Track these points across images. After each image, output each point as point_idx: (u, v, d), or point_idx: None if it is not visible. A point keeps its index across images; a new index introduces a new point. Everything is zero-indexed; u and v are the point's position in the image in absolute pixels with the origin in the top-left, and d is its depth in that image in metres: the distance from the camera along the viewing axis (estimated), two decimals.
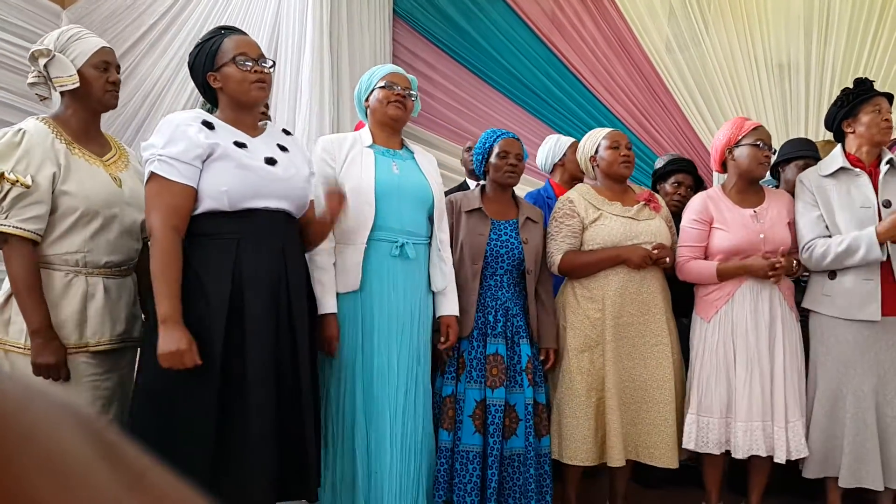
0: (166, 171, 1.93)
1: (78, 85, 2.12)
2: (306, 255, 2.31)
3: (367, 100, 2.57)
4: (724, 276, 2.75)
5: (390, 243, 2.42)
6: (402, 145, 2.62)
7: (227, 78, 2.07)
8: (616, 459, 2.74)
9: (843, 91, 2.84)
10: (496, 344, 2.75)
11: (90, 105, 2.19)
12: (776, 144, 4.78)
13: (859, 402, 2.65)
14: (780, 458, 2.65)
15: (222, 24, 2.41)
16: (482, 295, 2.76)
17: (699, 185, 3.55)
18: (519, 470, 2.70)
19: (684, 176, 3.49)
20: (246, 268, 1.97)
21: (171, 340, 1.84)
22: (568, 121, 5.01)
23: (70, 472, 0.27)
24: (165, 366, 1.84)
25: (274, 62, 2.17)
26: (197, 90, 2.23)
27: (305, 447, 2.07)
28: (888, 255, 2.62)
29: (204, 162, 1.98)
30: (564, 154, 3.63)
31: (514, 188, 2.97)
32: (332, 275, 2.35)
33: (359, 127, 2.83)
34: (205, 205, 1.98)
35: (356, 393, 2.32)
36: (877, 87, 4.60)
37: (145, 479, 0.31)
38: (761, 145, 2.78)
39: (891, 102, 2.76)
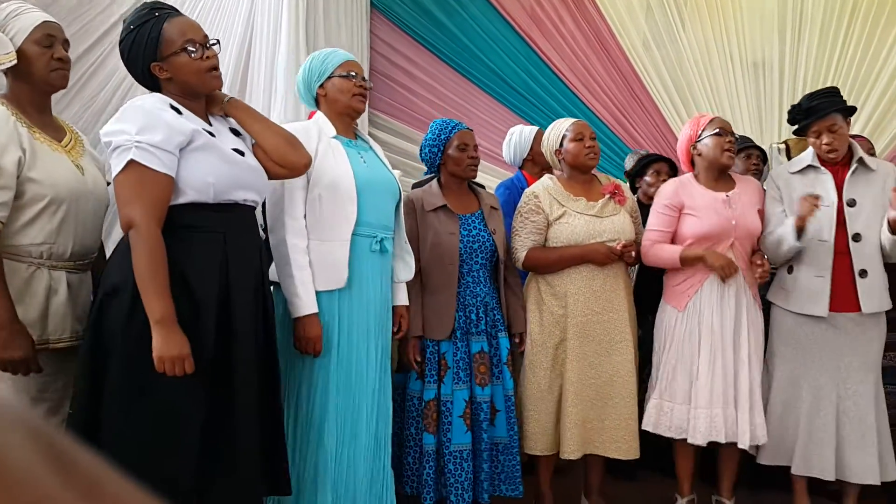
0: (147, 159, 1.78)
1: (15, 62, 1.97)
2: (274, 253, 2.26)
3: (321, 86, 2.42)
4: (686, 261, 2.78)
5: (370, 238, 2.36)
6: (356, 135, 2.53)
7: (179, 68, 1.93)
8: (570, 453, 2.78)
9: (791, 109, 2.91)
10: (480, 342, 2.75)
11: (36, 85, 2.05)
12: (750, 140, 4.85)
13: (816, 393, 2.70)
14: (743, 444, 2.70)
15: (184, 11, 2.25)
16: (461, 293, 2.75)
17: (676, 170, 3.59)
18: (499, 458, 2.74)
19: (660, 164, 3.52)
20: (232, 264, 1.91)
21: (173, 344, 1.74)
22: (546, 116, 4.99)
23: (18, 483, 0.26)
24: (163, 370, 1.74)
25: (218, 41, 2.03)
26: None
27: (281, 443, 2.04)
28: (847, 251, 2.69)
29: (182, 150, 1.86)
30: (531, 146, 3.62)
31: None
32: (311, 273, 2.26)
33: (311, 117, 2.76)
34: (187, 196, 1.86)
35: (329, 390, 2.27)
36: (847, 83, 4.70)
37: (99, 486, 0.29)
38: (723, 133, 2.82)
39: (845, 111, 2.79)
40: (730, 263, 2.68)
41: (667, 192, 2.90)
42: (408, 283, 2.63)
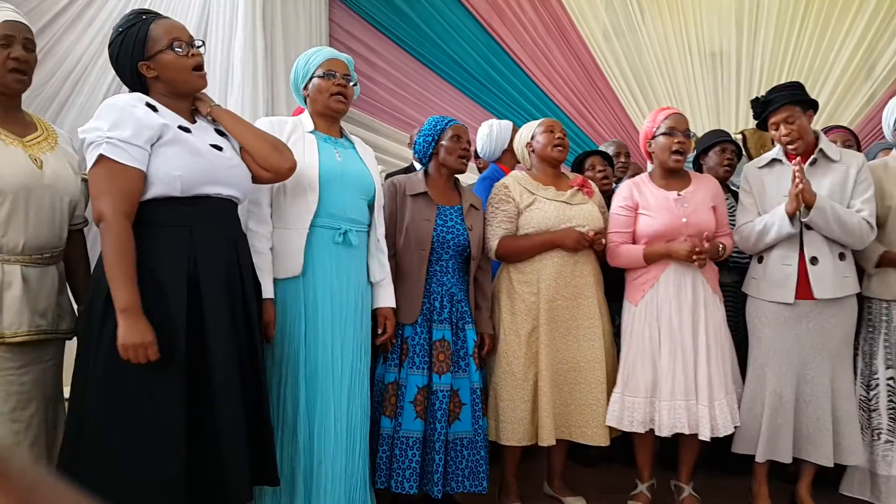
0: (117, 154, 1.82)
1: None
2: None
3: (305, 87, 2.50)
4: (650, 259, 2.82)
5: (333, 230, 2.36)
6: (342, 134, 2.58)
7: (166, 66, 1.98)
8: (546, 439, 2.80)
9: (752, 105, 2.96)
10: (442, 330, 2.74)
11: None
12: (707, 129, 4.93)
13: (778, 380, 2.75)
14: (704, 436, 2.73)
15: (143, 5, 2.27)
16: (428, 281, 2.75)
17: (612, 162, 3.64)
18: (462, 454, 2.71)
19: (592, 158, 3.60)
20: (201, 256, 1.91)
21: (136, 332, 1.76)
22: (508, 107, 5.02)
23: None
24: (127, 358, 1.76)
25: (203, 42, 2.11)
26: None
27: (268, 432, 2.05)
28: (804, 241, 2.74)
29: (153, 145, 1.89)
30: (510, 139, 3.62)
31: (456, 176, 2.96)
32: (269, 259, 2.28)
33: (298, 112, 2.76)
34: (155, 190, 1.89)
35: (298, 383, 2.27)
36: (804, 73, 4.79)
37: (35, 495, 0.27)
38: (673, 132, 2.85)
39: (799, 103, 2.84)
40: (692, 248, 2.72)
41: (622, 194, 2.95)
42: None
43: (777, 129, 2.81)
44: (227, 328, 1.94)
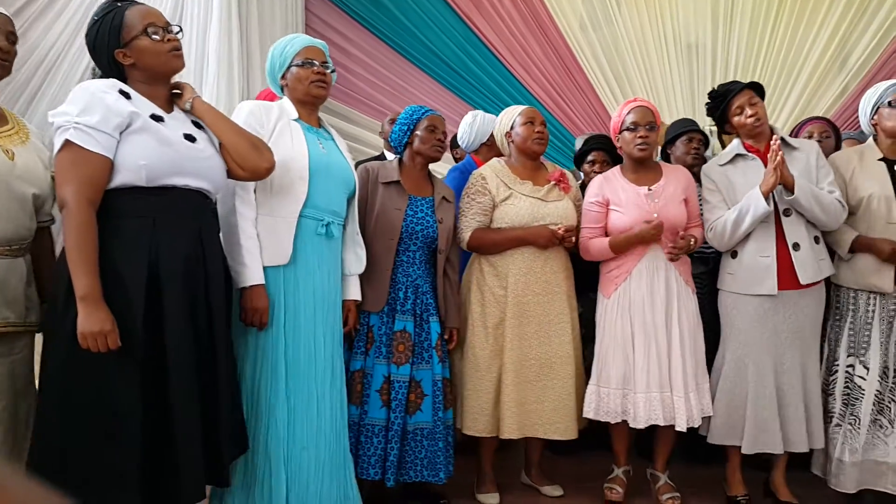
0: (83, 139, 1.80)
1: None
2: (222, 223, 2.24)
3: (283, 77, 2.48)
4: (616, 248, 2.83)
5: (316, 221, 2.36)
6: (320, 124, 2.56)
7: (142, 52, 1.96)
8: (508, 433, 2.82)
9: (706, 105, 3.00)
10: (404, 321, 2.75)
11: None
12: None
13: (759, 372, 2.78)
14: (681, 427, 2.76)
15: None
16: (394, 271, 2.75)
17: (617, 158, 3.61)
18: (422, 444, 2.72)
19: (596, 153, 3.54)
20: (163, 248, 1.89)
21: (95, 320, 1.74)
22: (484, 97, 5.01)
23: None
24: (86, 346, 1.75)
25: (181, 27, 2.08)
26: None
27: (221, 430, 2.00)
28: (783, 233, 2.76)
29: (122, 133, 1.86)
30: (489, 133, 3.60)
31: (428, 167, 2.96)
32: (258, 244, 2.25)
33: (269, 96, 2.73)
34: (120, 178, 1.86)
35: (278, 372, 2.25)
36: (778, 65, 4.84)
37: (2, 495, 0.27)
38: (635, 127, 2.87)
39: (758, 89, 2.88)
40: (656, 226, 2.73)
41: (593, 190, 2.97)
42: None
43: (741, 113, 2.83)
44: (185, 322, 1.92)
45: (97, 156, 1.81)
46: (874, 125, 2.86)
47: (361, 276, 2.66)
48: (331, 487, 2.34)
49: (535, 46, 5.08)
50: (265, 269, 2.25)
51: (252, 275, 2.20)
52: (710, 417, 2.83)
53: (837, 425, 2.77)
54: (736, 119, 2.86)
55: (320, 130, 2.52)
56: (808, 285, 2.75)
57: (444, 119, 2.95)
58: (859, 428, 2.73)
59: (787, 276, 2.75)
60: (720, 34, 5.00)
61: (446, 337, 2.85)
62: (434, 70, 5.08)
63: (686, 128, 3.53)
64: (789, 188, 2.68)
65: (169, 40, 1.99)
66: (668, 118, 4.83)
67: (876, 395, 2.73)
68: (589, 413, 2.84)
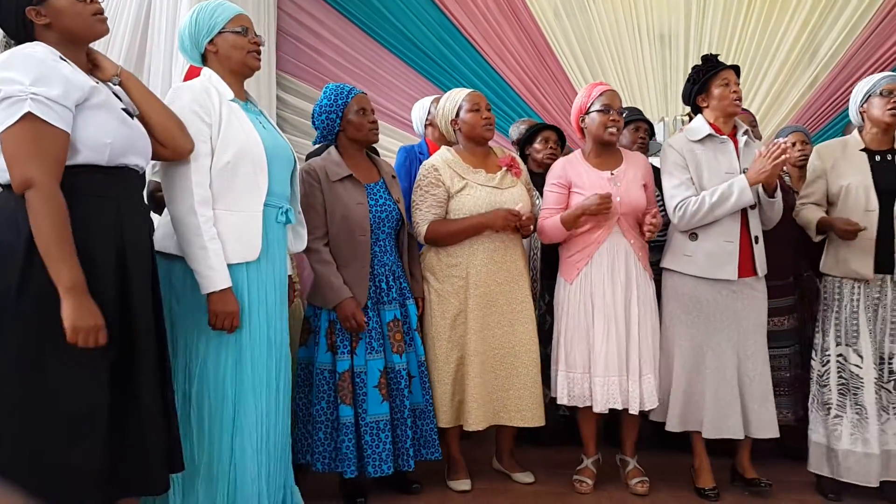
0: (47, 113, 1.66)
1: None
2: (177, 223, 2.11)
3: (211, 42, 2.26)
4: (567, 223, 2.83)
5: (276, 209, 2.27)
6: (247, 97, 2.38)
7: (60, 12, 1.78)
8: (473, 424, 2.81)
9: (693, 68, 2.97)
10: (392, 310, 2.73)
11: None
12: (660, 113, 4.98)
13: (719, 358, 2.80)
14: (633, 410, 2.80)
15: None
16: (371, 264, 2.71)
17: (563, 139, 3.63)
18: (417, 424, 2.75)
19: (548, 132, 3.54)
20: (127, 229, 1.82)
21: (87, 313, 1.65)
22: (458, 83, 4.95)
23: None
24: (75, 341, 1.64)
25: None
26: None
27: (169, 418, 1.95)
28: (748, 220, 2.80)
29: (77, 106, 1.74)
30: (429, 112, 3.60)
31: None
32: (220, 244, 2.11)
33: (193, 74, 2.58)
34: (81, 157, 1.75)
35: (243, 367, 2.16)
36: (749, 56, 4.88)
37: None
38: (608, 110, 2.86)
39: (738, 74, 2.91)
40: (603, 196, 2.73)
41: (555, 172, 2.97)
42: (327, 253, 2.66)
43: (726, 86, 2.83)
44: (148, 306, 1.86)
45: (60, 131, 1.69)
46: (862, 113, 2.91)
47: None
48: (281, 475, 2.31)
49: (508, 33, 5.05)
50: (230, 266, 2.12)
51: (221, 279, 2.07)
52: (666, 404, 2.86)
53: (837, 416, 2.79)
54: (718, 90, 2.84)
55: (249, 105, 2.34)
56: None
57: (368, 95, 2.86)
58: (868, 418, 2.75)
59: (745, 265, 2.79)
60: (692, 25, 5.03)
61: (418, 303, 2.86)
62: (407, 55, 5.03)
63: (633, 116, 3.55)
64: (773, 189, 2.72)
65: (92, 2, 1.84)
66: (640, 106, 4.84)
67: (875, 384, 2.77)
68: (563, 399, 2.86)
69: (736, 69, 2.90)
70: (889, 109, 2.79)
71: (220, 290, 2.08)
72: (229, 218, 2.15)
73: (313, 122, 2.84)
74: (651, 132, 3.62)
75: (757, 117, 4.05)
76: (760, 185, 2.73)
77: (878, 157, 2.84)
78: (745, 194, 2.70)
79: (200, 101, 2.15)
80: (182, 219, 2.08)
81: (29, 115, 1.66)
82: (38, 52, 1.72)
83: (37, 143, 1.66)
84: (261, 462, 2.20)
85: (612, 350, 2.80)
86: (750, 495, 2.86)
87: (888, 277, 2.78)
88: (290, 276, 2.53)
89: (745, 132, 2.90)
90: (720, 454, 2.99)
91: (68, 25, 1.81)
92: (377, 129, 2.80)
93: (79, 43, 1.87)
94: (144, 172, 2.00)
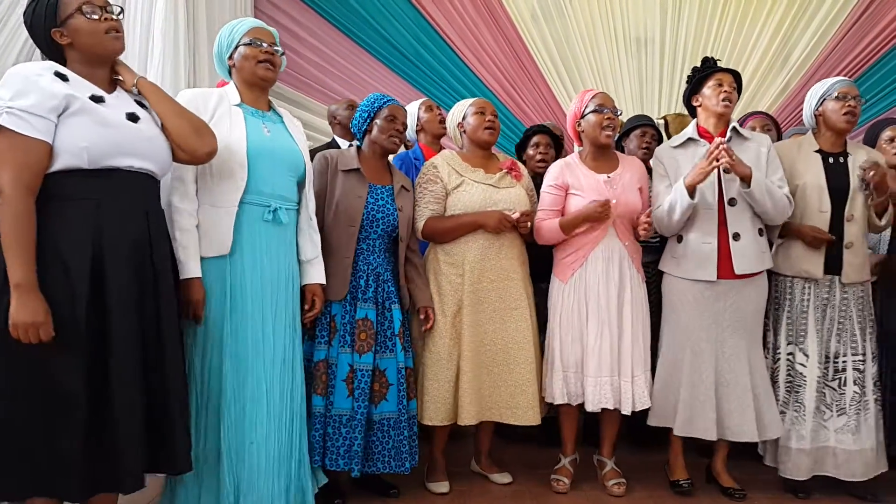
0: (17, 124, 1.77)
1: None
2: (166, 215, 2.18)
3: (230, 57, 2.44)
4: (566, 228, 2.88)
5: (262, 207, 2.32)
6: (270, 107, 2.52)
7: (77, 31, 1.93)
8: (466, 419, 2.83)
9: (692, 69, 3.03)
10: (366, 309, 2.72)
11: None
12: (632, 113, 5.02)
13: (696, 358, 2.84)
14: (626, 410, 2.83)
15: None
16: (355, 259, 2.72)
17: (558, 143, 3.66)
18: (389, 434, 2.70)
19: (540, 136, 3.59)
20: (107, 231, 1.86)
21: (28, 310, 1.72)
22: (437, 85, 4.99)
23: None
24: (17, 336, 1.72)
25: (122, 9, 2.04)
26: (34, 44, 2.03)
27: (171, 418, 1.97)
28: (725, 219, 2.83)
29: (59, 116, 1.83)
30: (417, 116, 3.62)
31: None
32: (196, 237, 2.22)
33: (221, 86, 2.67)
34: (62, 162, 1.83)
35: (224, 362, 2.21)
36: (724, 61, 4.94)
37: None
38: (602, 109, 2.92)
39: (738, 80, 2.94)
40: (602, 203, 2.77)
41: (553, 173, 3.00)
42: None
43: (718, 86, 2.87)
44: (131, 308, 1.89)
45: (34, 140, 1.78)
46: (818, 116, 2.95)
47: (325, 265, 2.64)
48: (280, 480, 2.31)
49: (487, 36, 5.08)
50: (208, 260, 2.23)
51: (185, 269, 2.17)
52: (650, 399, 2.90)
53: (782, 412, 2.86)
54: (709, 90, 2.89)
55: (268, 114, 2.47)
56: (748, 275, 2.82)
57: (406, 111, 2.94)
58: (805, 415, 2.82)
59: (727, 265, 2.82)
60: (668, 29, 5.10)
61: (422, 317, 2.86)
62: (386, 57, 5.03)
63: (640, 122, 3.60)
64: (746, 180, 2.74)
65: (106, 20, 1.95)
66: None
67: (817, 382, 2.82)
68: (562, 399, 2.88)
69: (735, 74, 2.93)
70: (844, 114, 2.85)
71: (186, 280, 2.17)
72: (209, 213, 2.26)
73: (351, 124, 2.94)
74: (659, 138, 3.64)
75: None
76: (738, 180, 2.76)
77: (830, 160, 2.90)
78: (683, 197, 2.75)
79: (193, 103, 2.26)
80: (165, 211, 2.18)
81: (1, 128, 1.77)
82: (25, 69, 1.84)
83: (9, 153, 1.77)
84: (261, 459, 2.24)
85: (605, 350, 2.83)
86: (723, 496, 2.90)
87: (836, 278, 2.84)
88: (317, 284, 2.56)
89: (733, 129, 2.91)
90: (698, 454, 3.03)
91: (85, 43, 1.94)
92: (398, 140, 2.85)
93: (97, 60, 1.98)
94: (160, 175, 2.08)
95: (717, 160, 2.69)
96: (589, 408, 2.83)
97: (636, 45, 5.15)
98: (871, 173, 2.76)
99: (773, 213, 2.80)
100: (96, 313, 1.82)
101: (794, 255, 2.88)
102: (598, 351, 2.83)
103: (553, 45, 5.14)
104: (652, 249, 3.18)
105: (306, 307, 2.54)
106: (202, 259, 2.23)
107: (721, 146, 2.69)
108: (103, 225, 1.86)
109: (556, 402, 2.91)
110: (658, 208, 2.88)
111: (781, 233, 2.91)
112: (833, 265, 2.84)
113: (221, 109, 2.32)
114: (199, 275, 2.20)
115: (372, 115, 2.83)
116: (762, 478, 2.98)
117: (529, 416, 2.88)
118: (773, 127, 3.61)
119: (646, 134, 3.55)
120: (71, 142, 1.83)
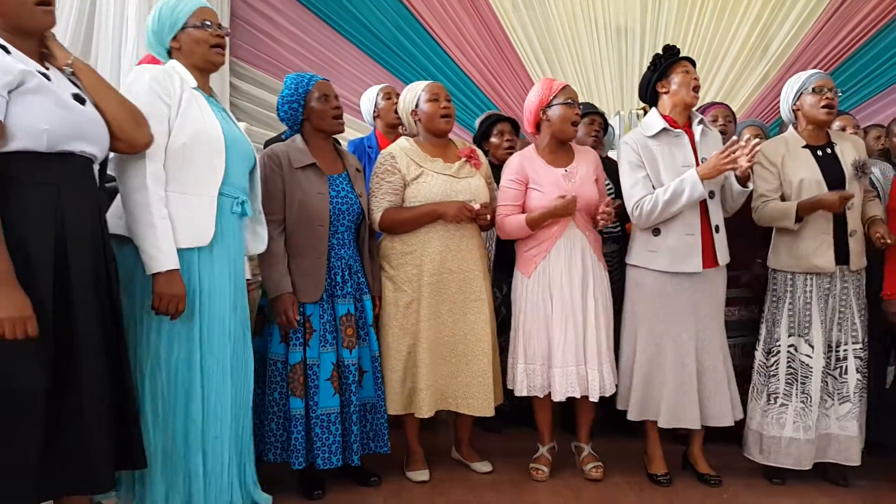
0: None
1: None
2: (125, 200, 2.06)
3: (174, 38, 2.23)
4: (532, 224, 2.86)
5: (232, 199, 2.24)
6: (211, 92, 2.37)
7: (3, 2, 1.77)
8: (424, 411, 2.82)
9: (654, 56, 2.99)
10: (346, 304, 2.70)
11: None
12: (616, 107, 5.05)
13: (678, 349, 2.85)
14: (594, 397, 2.85)
15: None
16: (328, 257, 2.69)
17: (517, 129, 3.65)
18: (367, 418, 2.74)
19: (503, 124, 3.57)
20: (68, 219, 1.76)
21: (14, 304, 1.61)
22: (417, 73, 4.96)
23: None
24: (1, 332, 1.60)
25: None
26: None
27: (129, 413, 1.91)
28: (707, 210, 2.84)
29: (10, 92, 1.69)
30: (376, 102, 3.59)
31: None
32: (170, 224, 2.06)
33: (150, 61, 2.52)
34: (17, 143, 1.69)
35: (193, 357, 2.13)
36: (703, 51, 4.98)
37: None
38: (573, 104, 2.90)
39: (694, 67, 2.95)
40: (570, 200, 2.77)
41: (512, 167, 2.97)
42: (279, 243, 2.59)
43: (687, 73, 2.86)
44: (93, 300, 1.81)
45: None
46: (796, 111, 2.95)
47: (294, 267, 2.60)
48: (234, 473, 2.27)
49: (467, 23, 5.06)
50: (181, 251, 2.07)
51: (167, 260, 2.01)
52: (628, 394, 2.92)
53: (783, 405, 2.86)
54: (679, 76, 2.86)
55: (212, 100, 2.31)
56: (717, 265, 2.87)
57: (331, 83, 2.82)
58: (812, 406, 2.83)
59: (709, 255, 2.84)
60: (648, 19, 5.11)
61: (376, 302, 2.85)
62: (365, 44, 5.00)
63: (588, 110, 3.58)
64: (745, 179, 2.77)
65: None
66: (596, 100, 4.90)
67: (822, 372, 2.84)
68: (522, 391, 2.88)
69: (692, 62, 2.94)
70: (823, 107, 2.85)
71: (166, 272, 2.02)
72: (182, 201, 2.11)
73: (279, 115, 2.79)
74: (605, 126, 3.65)
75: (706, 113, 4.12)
76: (733, 175, 2.77)
77: (819, 153, 2.91)
78: (697, 189, 2.73)
79: (161, 81, 2.11)
80: (131, 195, 2.03)
81: None
82: None
83: None
84: (224, 453, 2.19)
85: (570, 340, 2.84)
86: (699, 482, 2.92)
87: (837, 268, 2.84)
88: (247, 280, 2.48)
89: (700, 121, 2.92)
90: (672, 440, 3.05)
91: (10, 13, 1.78)
92: (341, 118, 2.76)
93: (24, 33, 1.82)
94: (100, 160, 1.94)
95: (750, 160, 2.67)
96: (556, 397, 2.85)
97: (616, 35, 5.16)
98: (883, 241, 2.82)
99: (735, 207, 2.89)
100: (60, 307, 1.74)
101: (802, 251, 2.85)
102: (564, 342, 2.84)
103: (533, 34, 5.13)
104: (610, 239, 3.19)
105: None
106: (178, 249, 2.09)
107: (754, 147, 2.66)
108: (65, 212, 1.76)
109: (517, 395, 2.91)
110: (643, 199, 2.82)
111: (798, 216, 2.81)
112: (840, 256, 2.84)
113: (187, 93, 2.16)
114: (178, 266, 2.05)
115: (302, 101, 2.71)
116: (737, 464, 3.00)
117: (485, 407, 2.86)
118: (733, 118, 3.66)
119: (594, 122, 3.55)
120: (30, 123, 1.70)
